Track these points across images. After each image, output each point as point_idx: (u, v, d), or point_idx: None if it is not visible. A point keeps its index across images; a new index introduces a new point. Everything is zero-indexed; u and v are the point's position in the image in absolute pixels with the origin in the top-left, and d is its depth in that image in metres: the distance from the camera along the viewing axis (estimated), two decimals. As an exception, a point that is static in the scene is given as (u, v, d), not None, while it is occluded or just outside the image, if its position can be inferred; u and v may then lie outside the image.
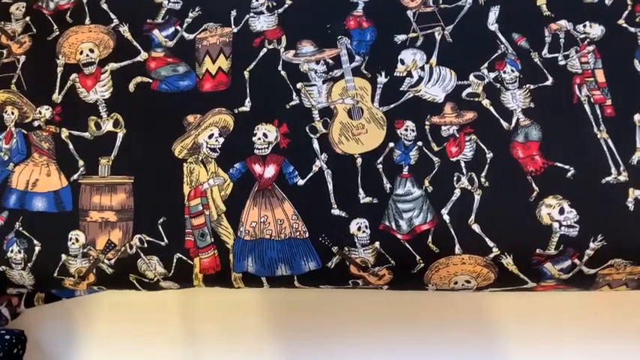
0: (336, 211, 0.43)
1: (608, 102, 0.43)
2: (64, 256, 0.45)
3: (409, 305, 0.51)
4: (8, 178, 0.47)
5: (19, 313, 0.51)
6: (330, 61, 0.46)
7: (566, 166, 0.41)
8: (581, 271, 0.41)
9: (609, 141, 0.42)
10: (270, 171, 0.44)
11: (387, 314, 0.51)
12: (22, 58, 0.49)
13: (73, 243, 0.45)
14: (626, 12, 0.44)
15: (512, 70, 0.44)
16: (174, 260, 0.44)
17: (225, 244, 0.43)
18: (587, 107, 0.43)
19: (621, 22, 0.44)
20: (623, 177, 0.41)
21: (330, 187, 0.43)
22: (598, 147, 0.42)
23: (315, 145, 0.44)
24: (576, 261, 0.41)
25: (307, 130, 0.45)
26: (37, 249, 0.45)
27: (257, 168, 0.44)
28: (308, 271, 0.43)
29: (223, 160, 0.45)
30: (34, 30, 0.50)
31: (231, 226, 0.43)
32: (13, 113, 0.48)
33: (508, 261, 0.41)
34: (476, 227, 0.41)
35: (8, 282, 0.47)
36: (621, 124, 0.42)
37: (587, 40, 0.44)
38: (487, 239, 0.41)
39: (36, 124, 0.48)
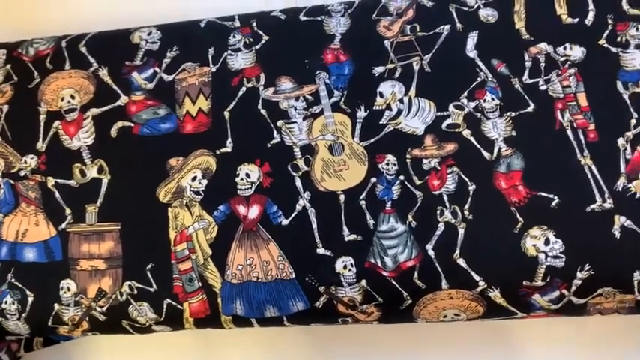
0: (321, 250, 0.43)
1: (591, 126, 0.42)
2: (56, 305, 0.46)
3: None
4: (-2, 229, 0.47)
5: (20, 358, 0.52)
6: (310, 97, 0.46)
7: (550, 196, 0.41)
8: (571, 301, 0.41)
9: (593, 167, 0.41)
10: (254, 212, 0.44)
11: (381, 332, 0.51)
12: (5, 108, 0.49)
13: (64, 292, 0.45)
14: (607, 32, 0.43)
15: (492, 99, 0.43)
16: (164, 305, 0.44)
17: (213, 288, 0.44)
18: (569, 133, 0.42)
19: (602, 42, 0.43)
20: (608, 204, 0.40)
21: (315, 225, 0.43)
22: (582, 174, 0.41)
23: (298, 183, 0.44)
24: (564, 291, 0.40)
25: (289, 169, 0.44)
26: (30, 299, 0.46)
27: (241, 209, 0.44)
28: (296, 311, 0.43)
29: (207, 203, 0.45)
30: (15, 78, 0.50)
31: (218, 270, 0.44)
32: (-1, 164, 0.49)
33: (495, 294, 0.41)
34: (461, 261, 0.41)
35: (4, 331, 0.48)
36: (605, 150, 0.41)
37: (568, 62, 0.43)
38: (473, 273, 0.41)
39: (22, 173, 0.48)
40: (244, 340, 0.53)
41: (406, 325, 0.47)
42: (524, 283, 0.40)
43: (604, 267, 0.40)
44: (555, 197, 0.41)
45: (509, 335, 0.51)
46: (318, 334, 0.52)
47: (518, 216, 0.41)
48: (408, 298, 0.42)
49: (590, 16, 0.44)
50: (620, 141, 0.41)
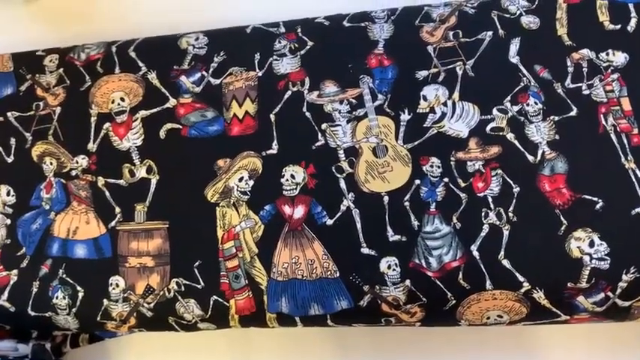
0: (365, 250, 0.44)
1: (635, 131, 0.42)
2: (105, 301, 0.47)
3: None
4: (50, 226, 0.49)
5: (65, 353, 0.53)
6: (353, 101, 0.47)
7: (595, 199, 0.41)
8: (615, 303, 0.41)
9: (637, 171, 0.41)
10: (299, 212, 0.45)
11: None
12: (58, 110, 0.51)
13: (113, 288, 0.47)
14: (650, 38, 0.44)
15: (535, 103, 0.44)
16: (211, 302, 0.45)
17: (259, 286, 0.45)
18: (613, 137, 0.43)
19: (645, 48, 0.44)
20: (654, 207, 0.41)
21: (359, 226, 0.44)
22: (626, 177, 0.41)
23: (342, 184, 0.45)
24: (610, 293, 0.41)
25: (334, 170, 0.45)
26: (80, 295, 0.47)
27: (286, 209, 0.45)
28: (340, 310, 0.44)
29: (254, 203, 0.46)
30: (68, 81, 0.52)
31: (264, 268, 0.45)
32: (51, 164, 0.50)
33: (539, 295, 0.41)
34: (506, 262, 0.42)
35: (54, 326, 0.49)
36: (650, 153, 0.42)
37: (611, 68, 0.44)
38: (517, 274, 0.41)
39: (73, 173, 0.50)
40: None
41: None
42: (569, 284, 0.41)
43: (650, 270, 0.40)
44: (599, 200, 0.41)
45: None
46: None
47: (562, 218, 0.41)
48: (452, 298, 0.42)
49: (633, 22, 0.45)
50: (665, 145, 0.42)
